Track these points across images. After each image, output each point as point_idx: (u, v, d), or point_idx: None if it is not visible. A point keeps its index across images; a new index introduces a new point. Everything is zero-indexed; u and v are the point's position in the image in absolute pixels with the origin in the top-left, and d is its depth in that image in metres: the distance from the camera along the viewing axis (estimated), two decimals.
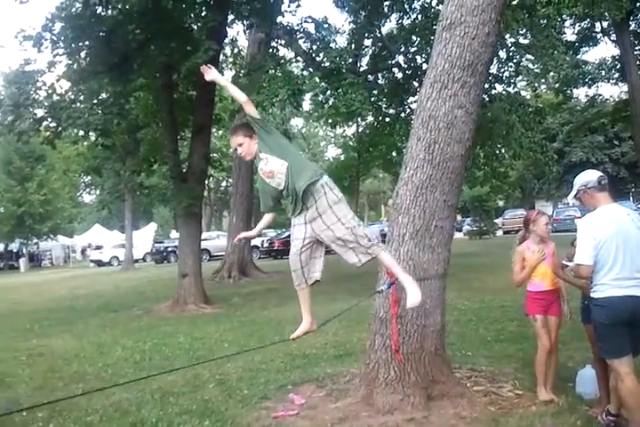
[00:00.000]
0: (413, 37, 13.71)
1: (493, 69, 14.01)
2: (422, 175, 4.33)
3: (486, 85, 14.27)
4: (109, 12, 11.89)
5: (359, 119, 22.87)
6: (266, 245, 31.43)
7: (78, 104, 12.19)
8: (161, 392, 5.11)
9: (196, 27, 12.91)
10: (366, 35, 14.01)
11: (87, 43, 11.95)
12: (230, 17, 13.37)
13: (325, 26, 12.88)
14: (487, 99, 13.24)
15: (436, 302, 4.42)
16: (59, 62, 12.14)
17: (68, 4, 11.90)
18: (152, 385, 5.36)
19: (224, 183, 50.08)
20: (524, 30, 14.15)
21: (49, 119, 12.08)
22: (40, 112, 12.19)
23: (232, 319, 9.64)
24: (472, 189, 28.87)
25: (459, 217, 54.74)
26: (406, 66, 14.43)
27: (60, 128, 12.13)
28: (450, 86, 4.26)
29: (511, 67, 15.02)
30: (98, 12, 11.70)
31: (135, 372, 5.83)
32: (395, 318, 4.25)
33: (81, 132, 13.98)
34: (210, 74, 3.63)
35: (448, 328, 5.93)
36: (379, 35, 13.87)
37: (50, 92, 12.06)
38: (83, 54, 12.39)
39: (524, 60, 15.55)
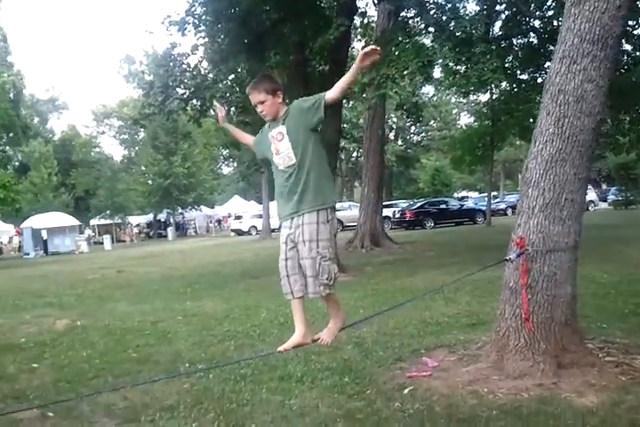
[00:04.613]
0: (549, 1, 13.15)
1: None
2: (552, 149, 4.41)
3: (629, 47, 13.42)
4: None
5: (493, 86, 22.21)
6: (397, 215, 31.71)
7: (219, 84, 12.99)
8: (304, 351, 5.58)
9: (326, 3, 13.22)
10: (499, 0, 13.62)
11: (225, 25, 12.65)
12: None
13: None
14: (632, 61, 12.49)
15: (567, 274, 4.49)
16: (201, 45, 12.98)
17: None
18: None
19: (355, 154, 50.59)
20: None
21: (194, 99, 13.00)
22: (186, 92, 13.16)
23: (365, 287, 10.04)
24: (617, 157, 27.24)
25: (604, 186, 51.65)
26: (542, 30, 13.88)
27: (204, 107, 13.03)
28: (579, 61, 4.28)
29: None
30: None
31: (280, 332, 6.38)
32: (525, 288, 4.41)
33: None
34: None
35: (584, 300, 5.95)
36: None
37: (194, 73, 12.94)
38: (222, 36, 13.13)
39: None
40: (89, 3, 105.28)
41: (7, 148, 33.31)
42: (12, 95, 29.74)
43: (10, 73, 28.62)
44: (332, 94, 3.23)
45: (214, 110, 14.62)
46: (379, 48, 3.12)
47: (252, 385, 4.66)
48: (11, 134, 30.21)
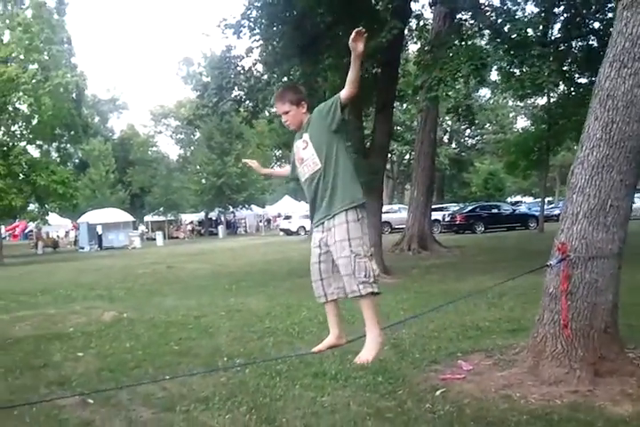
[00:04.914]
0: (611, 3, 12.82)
1: None
2: (598, 155, 4.33)
3: None
4: None
5: (549, 90, 21.80)
6: (447, 219, 31.38)
7: (272, 86, 13.17)
8: (340, 350, 5.63)
9: (381, 6, 13.22)
10: (557, 1, 13.35)
11: (280, 28, 12.80)
12: None
13: None
14: None
15: (609, 282, 4.41)
16: (255, 48, 13.18)
17: None
18: None
19: (407, 156, 50.30)
20: None
21: (247, 101, 13.22)
22: (239, 94, 13.38)
23: (409, 290, 10.01)
24: None
25: None
26: (602, 32, 13.55)
27: (257, 108, 13.23)
28: (630, 65, 4.19)
29: None
30: None
31: (319, 330, 6.43)
32: (565, 295, 4.34)
33: (273, 109, 15.11)
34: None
35: (629, 309, 5.79)
36: (572, 1, 13.14)
37: (248, 75, 13.15)
38: (276, 39, 13.30)
39: None
40: (151, 6, 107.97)
41: (68, 145, 34.42)
42: (74, 95, 30.72)
43: (73, 74, 29.57)
44: (345, 92, 3.27)
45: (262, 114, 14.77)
46: (363, 29, 3.05)
47: (287, 381, 4.72)
48: (72, 133, 31.20)
